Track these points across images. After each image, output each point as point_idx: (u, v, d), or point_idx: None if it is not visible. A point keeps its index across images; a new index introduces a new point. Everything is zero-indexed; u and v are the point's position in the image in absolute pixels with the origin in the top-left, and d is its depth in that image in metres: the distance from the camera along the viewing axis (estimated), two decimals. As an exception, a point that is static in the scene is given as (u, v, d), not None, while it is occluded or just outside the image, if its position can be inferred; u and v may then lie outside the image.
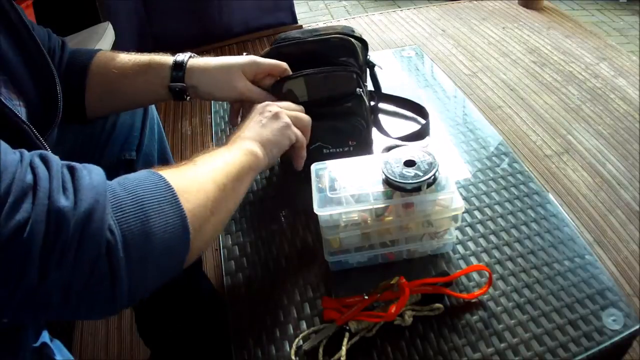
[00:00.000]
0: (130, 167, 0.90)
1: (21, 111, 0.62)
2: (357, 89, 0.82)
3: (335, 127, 0.82)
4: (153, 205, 0.46)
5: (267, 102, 0.74)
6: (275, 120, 0.70)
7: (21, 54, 0.64)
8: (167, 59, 0.78)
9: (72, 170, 0.43)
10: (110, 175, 0.91)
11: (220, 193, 0.55)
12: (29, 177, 0.40)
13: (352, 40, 0.82)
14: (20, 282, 0.37)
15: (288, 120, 0.71)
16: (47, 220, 0.38)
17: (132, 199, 0.45)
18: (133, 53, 0.80)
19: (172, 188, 0.49)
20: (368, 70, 0.91)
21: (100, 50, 0.81)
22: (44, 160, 0.43)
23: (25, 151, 0.43)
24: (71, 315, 0.44)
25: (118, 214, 0.43)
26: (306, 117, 0.76)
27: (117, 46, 2.05)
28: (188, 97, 0.79)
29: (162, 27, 2.38)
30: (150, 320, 1.11)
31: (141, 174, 0.50)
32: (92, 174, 0.44)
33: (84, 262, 0.39)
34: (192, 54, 0.79)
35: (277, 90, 0.81)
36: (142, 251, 0.44)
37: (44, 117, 0.66)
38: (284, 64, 0.81)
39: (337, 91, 0.82)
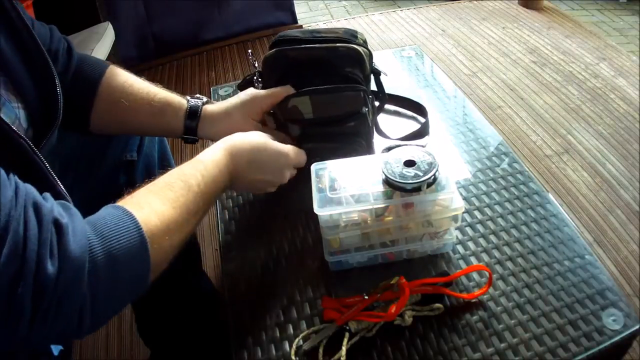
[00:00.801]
0: (132, 168, 0.90)
1: (20, 113, 0.62)
2: (364, 108, 0.80)
3: (335, 148, 0.80)
4: (123, 254, 0.49)
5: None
6: (266, 183, 0.74)
7: (21, 54, 0.63)
8: (182, 103, 0.80)
9: (59, 231, 0.46)
10: (112, 176, 0.90)
11: (189, 230, 0.59)
12: (21, 230, 0.43)
13: (360, 49, 0.80)
14: (15, 331, 0.42)
15: (278, 182, 0.75)
16: (34, 283, 0.42)
17: (108, 270, 0.48)
18: (145, 83, 0.80)
19: (144, 237, 0.51)
20: (373, 77, 0.90)
21: (110, 65, 0.80)
22: (37, 212, 0.45)
23: (20, 184, 0.46)
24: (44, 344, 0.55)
25: (93, 287, 0.46)
26: (303, 160, 0.78)
27: (117, 46, 2.05)
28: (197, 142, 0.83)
29: (162, 27, 2.38)
30: (150, 320, 1.11)
31: (113, 216, 0.52)
32: (75, 236, 0.46)
33: (61, 319, 0.45)
34: (206, 100, 0.81)
35: (283, 106, 0.80)
36: (109, 299, 0.49)
37: (44, 119, 0.65)
38: (286, 90, 0.80)
39: (343, 110, 0.80)
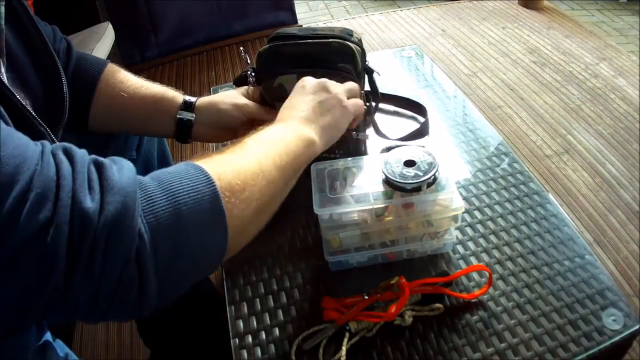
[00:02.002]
0: None
1: None
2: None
3: None
4: (189, 205, 0.42)
5: (309, 78, 0.68)
6: (330, 98, 0.64)
7: (28, 52, 0.63)
8: (178, 96, 0.80)
9: (99, 167, 0.40)
10: None
11: (269, 191, 0.50)
12: (52, 172, 0.37)
13: (352, 46, 0.81)
14: (45, 287, 0.36)
15: (343, 95, 0.66)
16: (70, 223, 0.36)
17: (167, 197, 0.41)
18: (142, 78, 0.81)
19: (214, 185, 0.44)
20: (367, 76, 0.90)
21: (108, 62, 0.81)
22: (68, 155, 0.40)
23: (47, 143, 0.41)
24: (99, 319, 0.41)
25: (149, 216, 0.40)
26: (355, 86, 0.70)
27: (117, 46, 2.05)
28: (190, 141, 0.82)
29: (162, 27, 2.38)
30: (150, 320, 1.11)
31: (179, 168, 0.45)
32: (122, 171, 0.41)
33: (111, 269, 0.37)
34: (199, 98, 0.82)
35: (269, 85, 0.81)
36: (174, 256, 0.41)
37: (50, 117, 0.65)
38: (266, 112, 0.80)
39: None
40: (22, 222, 0.34)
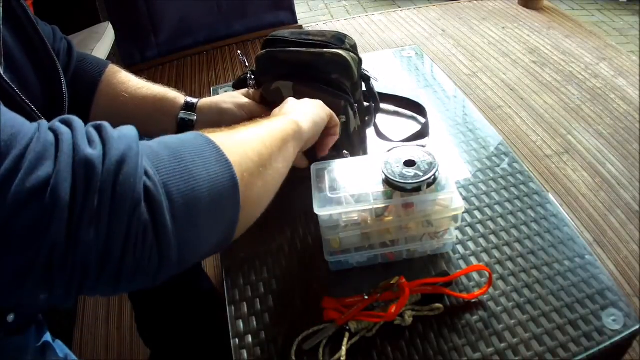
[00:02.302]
0: None
1: None
2: (341, 117, 0.79)
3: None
4: (195, 156, 0.41)
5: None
6: (309, 100, 0.70)
7: (27, 52, 0.63)
8: (179, 96, 0.81)
9: (99, 127, 0.39)
10: None
11: (267, 150, 0.51)
12: (50, 137, 0.36)
13: (345, 56, 0.80)
14: (42, 245, 0.32)
15: (320, 101, 0.72)
16: (73, 172, 0.34)
17: (171, 152, 0.40)
18: (143, 79, 0.81)
19: (214, 142, 0.44)
20: (364, 83, 0.90)
21: (109, 63, 0.81)
22: (66, 122, 0.38)
23: (43, 121, 0.39)
24: (112, 285, 0.36)
25: (158, 167, 0.38)
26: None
27: (118, 46, 2.05)
28: None
29: (162, 27, 2.38)
30: (150, 320, 1.11)
31: (186, 135, 0.45)
32: (122, 130, 0.40)
33: (121, 213, 0.34)
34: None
35: (267, 87, 0.81)
36: (188, 202, 0.38)
37: (49, 117, 0.65)
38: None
39: None
40: (19, 181, 0.33)
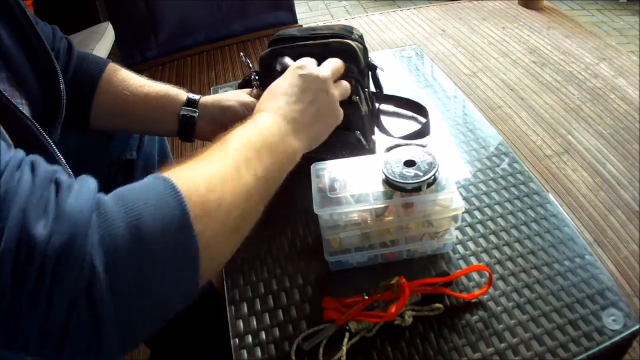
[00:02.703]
0: (131, 167, 0.90)
1: (24, 109, 0.62)
2: (354, 96, 0.79)
3: (331, 144, 0.72)
4: (153, 229, 0.37)
5: (303, 63, 0.63)
6: (325, 103, 0.60)
7: (24, 51, 0.63)
8: (181, 94, 0.79)
9: (58, 188, 0.37)
10: (110, 175, 0.90)
11: (248, 206, 0.46)
12: (11, 187, 0.34)
13: (353, 44, 0.80)
14: None
15: (331, 86, 0.62)
16: (17, 248, 0.33)
17: (128, 221, 0.37)
18: (144, 77, 0.81)
19: (184, 204, 0.39)
20: (370, 73, 0.90)
21: (109, 62, 0.81)
22: (33, 169, 0.37)
23: (20, 151, 0.39)
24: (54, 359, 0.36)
25: (107, 244, 0.35)
26: (339, 63, 0.67)
27: (118, 46, 2.05)
28: (194, 140, 0.81)
29: (162, 27, 2.38)
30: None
31: (147, 183, 0.41)
32: (81, 193, 0.37)
33: (59, 301, 0.33)
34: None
35: (271, 67, 0.78)
36: (135, 288, 0.36)
37: (47, 115, 0.65)
38: None
39: None
40: None
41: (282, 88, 0.60)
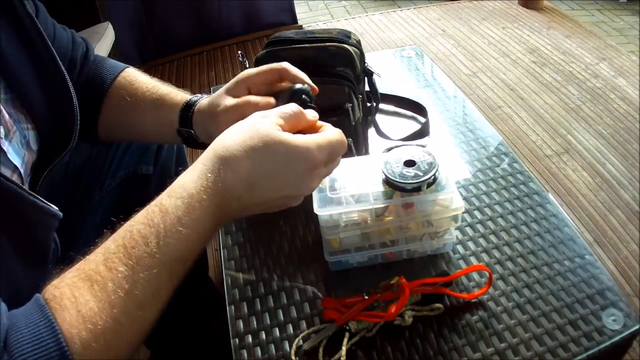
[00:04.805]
0: (146, 182, 0.86)
1: (29, 135, 0.58)
2: (347, 104, 0.78)
3: None
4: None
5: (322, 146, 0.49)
6: (300, 194, 0.51)
7: (34, 68, 0.58)
8: (182, 96, 0.70)
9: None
10: (125, 190, 0.86)
11: (139, 336, 0.44)
12: None
13: (350, 49, 0.80)
14: None
15: (315, 186, 0.52)
16: None
17: None
18: (153, 81, 0.73)
19: (65, 349, 0.37)
20: (366, 78, 0.90)
21: (126, 67, 0.74)
22: None
23: None
24: None
25: None
26: (342, 144, 0.52)
27: (117, 46, 2.05)
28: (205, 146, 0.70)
29: (162, 27, 2.38)
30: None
31: (31, 327, 0.38)
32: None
33: None
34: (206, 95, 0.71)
35: None
36: None
37: (56, 141, 0.60)
38: (281, 65, 0.65)
39: (324, 102, 0.76)
40: None
41: (266, 159, 0.47)
